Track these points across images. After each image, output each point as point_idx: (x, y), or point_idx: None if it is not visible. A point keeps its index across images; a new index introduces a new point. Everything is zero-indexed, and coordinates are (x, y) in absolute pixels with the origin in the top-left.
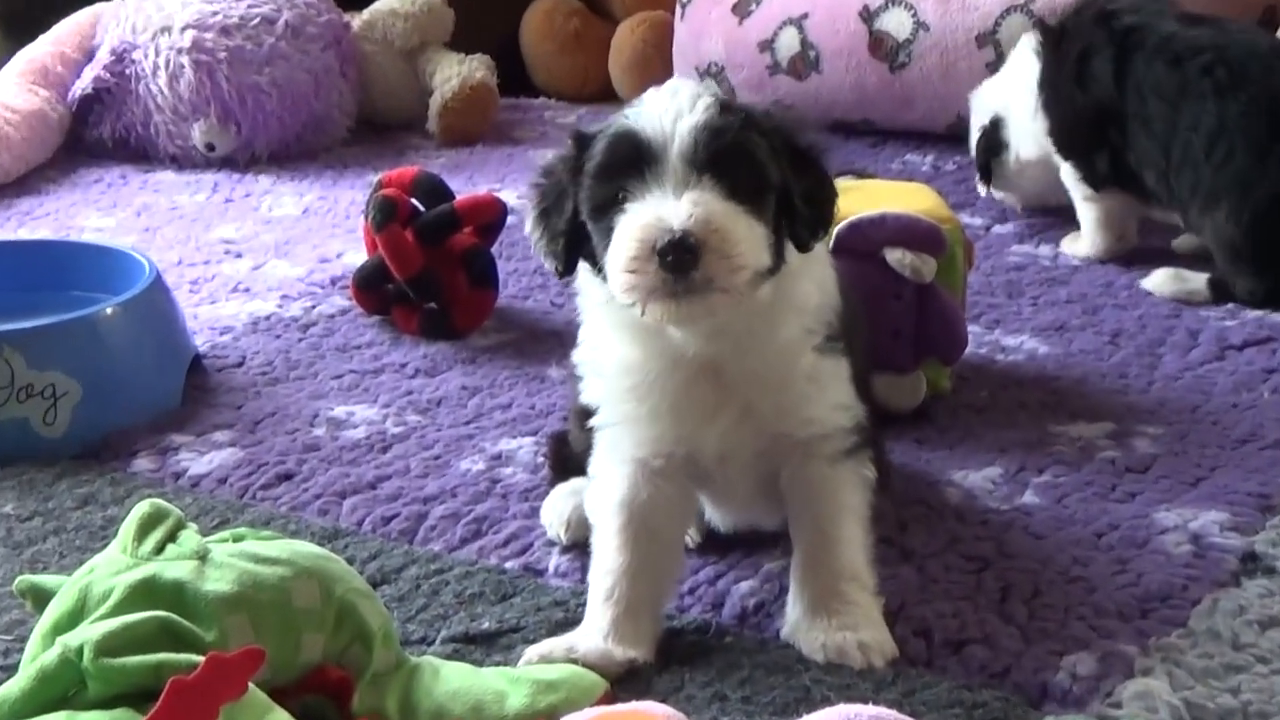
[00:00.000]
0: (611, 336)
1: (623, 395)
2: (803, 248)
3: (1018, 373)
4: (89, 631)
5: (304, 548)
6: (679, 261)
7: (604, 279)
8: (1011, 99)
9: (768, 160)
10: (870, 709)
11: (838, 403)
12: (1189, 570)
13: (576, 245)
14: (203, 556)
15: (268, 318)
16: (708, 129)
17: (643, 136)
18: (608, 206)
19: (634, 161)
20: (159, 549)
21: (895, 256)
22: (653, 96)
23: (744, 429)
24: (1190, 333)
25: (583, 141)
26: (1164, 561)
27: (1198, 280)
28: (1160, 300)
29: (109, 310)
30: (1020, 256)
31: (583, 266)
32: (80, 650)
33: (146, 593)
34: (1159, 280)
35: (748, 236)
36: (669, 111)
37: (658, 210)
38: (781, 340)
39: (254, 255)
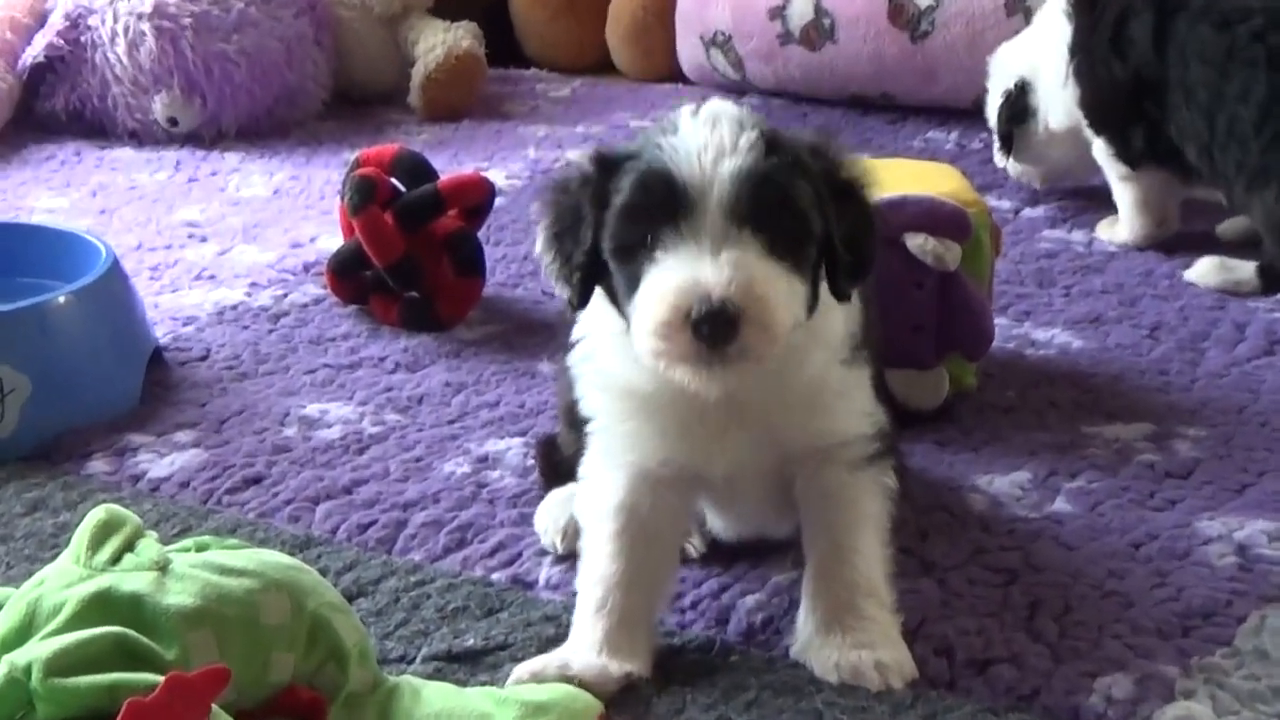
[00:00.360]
0: (620, 362)
1: (626, 414)
2: (841, 298)
3: (1049, 369)
4: (38, 649)
5: (273, 558)
6: (716, 334)
7: (623, 317)
8: (1040, 63)
9: (811, 209)
10: None
11: (860, 409)
12: (1234, 584)
13: (594, 278)
14: (163, 567)
15: (235, 307)
16: (752, 178)
17: (678, 179)
18: (634, 250)
19: (667, 206)
20: (115, 559)
21: (916, 243)
22: (689, 125)
23: (759, 445)
24: (1237, 326)
25: (605, 165)
26: (1207, 575)
27: (1245, 269)
28: (1204, 290)
29: (62, 299)
30: (1052, 242)
31: (597, 291)
32: (28, 669)
33: (101, 606)
34: (1203, 270)
35: (787, 301)
36: (709, 150)
37: (694, 272)
38: (808, 374)
39: (220, 239)
